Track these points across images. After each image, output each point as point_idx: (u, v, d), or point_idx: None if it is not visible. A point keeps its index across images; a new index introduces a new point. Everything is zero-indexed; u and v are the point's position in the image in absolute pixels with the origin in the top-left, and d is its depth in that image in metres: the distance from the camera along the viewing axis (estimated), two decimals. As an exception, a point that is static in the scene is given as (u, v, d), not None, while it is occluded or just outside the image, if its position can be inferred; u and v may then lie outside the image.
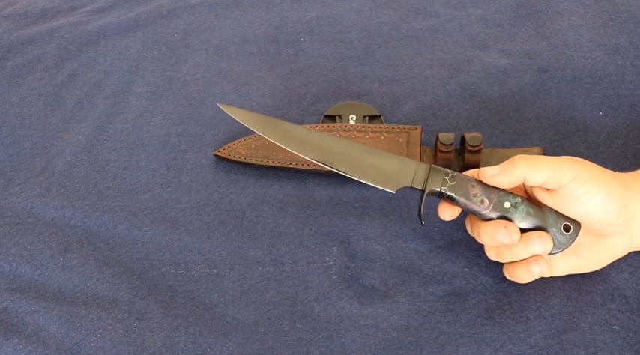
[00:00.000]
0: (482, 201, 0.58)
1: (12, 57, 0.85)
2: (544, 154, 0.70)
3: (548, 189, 0.57)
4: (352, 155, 0.60)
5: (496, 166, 0.57)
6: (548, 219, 0.58)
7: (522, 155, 0.57)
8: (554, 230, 0.58)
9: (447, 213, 0.60)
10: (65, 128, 0.78)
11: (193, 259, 0.66)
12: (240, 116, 0.63)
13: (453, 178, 0.58)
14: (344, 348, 0.60)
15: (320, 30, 0.85)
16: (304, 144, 0.61)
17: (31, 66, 0.84)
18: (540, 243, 0.57)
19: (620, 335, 0.59)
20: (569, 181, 0.55)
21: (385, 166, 0.60)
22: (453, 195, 0.58)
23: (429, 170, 0.59)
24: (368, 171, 0.60)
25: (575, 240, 0.58)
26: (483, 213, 0.58)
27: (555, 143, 0.73)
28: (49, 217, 0.70)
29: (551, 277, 0.62)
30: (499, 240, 0.57)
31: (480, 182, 0.58)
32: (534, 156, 0.57)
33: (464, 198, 0.58)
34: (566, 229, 0.58)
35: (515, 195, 0.58)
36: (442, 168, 0.59)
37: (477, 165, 0.68)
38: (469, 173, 0.60)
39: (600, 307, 0.61)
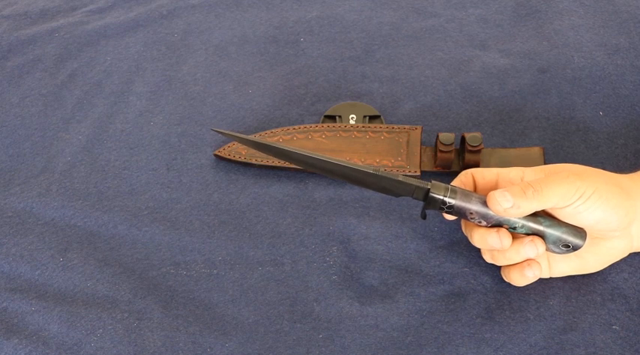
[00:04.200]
0: (479, 222, 0.58)
1: (12, 57, 0.85)
2: (544, 154, 0.70)
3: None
4: (351, 176, 0.59)
5: (508, 196, 0.55)
6: (547, 237, 0.57)
7: (534, 188, 0.55)
8: (552, 246, 0.58)
9: (448, 216, 0.60)
10: (65, 128, 0.78)
11: (193, 259, 0.66)
12: (236, 140, 0.62)
13: (450, 207, 0.57)
14: (344, 348, 0.60)
15: (320, 30, 0.85)
16: (303, 165, 0.60)
17: (31, 66, 0.84)
18: (532, 247, 0.57)
19: (620, 335, 0.59)
20: (574, 201, 0.55)
21: (384, 187, 0.59)
22: (451, 214, 0.58)
23: (427, 195, 0.58)
24: (368, 186, 0.60)
25: None
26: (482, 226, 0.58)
27: (555, 143, 0.73)
28: (49, 217, 0.70)
29: (551, 277, 0.62)
30: (490, 244, 0.57)
31: (478, 207, 0.57)
32: (543, 185, 0.55)
33: (462, 218, 0.58)
34: (566, 247, 0.58)
35: (515, 221, 0.57)
36: (439, 197, 0.57)
37: (477, 165, 0.68)
38: (470, 175, 0.60)
39: (600, 307, 0.61)
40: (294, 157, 0.60)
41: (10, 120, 0.79)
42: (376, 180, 0.59)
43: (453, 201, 0.57)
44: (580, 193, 0.55)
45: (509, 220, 0.57)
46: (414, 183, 0.58)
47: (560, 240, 0.57)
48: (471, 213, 0.57)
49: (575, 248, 0.57)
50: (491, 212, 0.56)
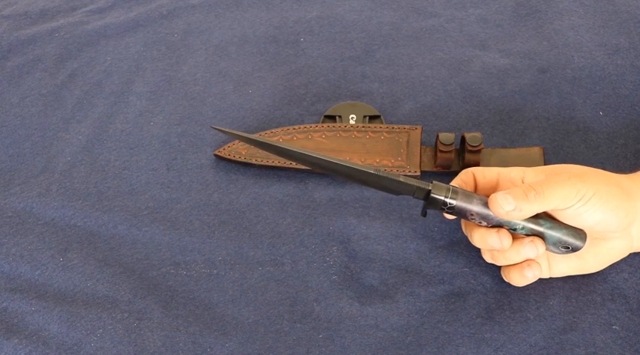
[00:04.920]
0: (480, 223, 0.58)
1: (12, 57, 0.85)
2: (544, 154, 0.70)
3: None
4: (352, 175, 0.59)
5: (510, 199, 0.55)
6: (548, 239, 0.57)
7: (536, 190, 0.55)
8: (552, 247, 0.58)
9: (449, 215, 0.60)
10: (65, 128, 0.78)
11: (193, 259, 0.66)
12: (236, 137, 0.62)
13: (451, 208, 0.57)
14: (344, 348, 0.60)
15: (320, 30, 0.85)
16: (304, 163, 0.60)
17: (31, 66, 0.84)
18: (532, 247, 0.57)
19: (620, 335, 0.59)
20: (575, 203, 0.55)
21: (385, 186, 0.59)
22: (452, 214, 0.58)
23: (428, 195, 0.58)
24: (369, 185, 0.60)
25: None
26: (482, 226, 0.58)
27: (555, 143, 0.73)
28: (49, 217, 0.70)
29: (551, 277, 0.62)
30: (490, 245, 0.57)
31: (479, 208, 0.57)
32: (544, 187, 0.55)
33: (462, 218, 0.58)
34: (566, 248, 0.58)
35: (516, 222, 0.57)
36: (440, 198, 0.57)
37: (477, 165, 0.68)
38: (471, 173, 0.60)
39: (600, 307, 0.61)
40: (292, 154, 0.60)
41: (10, 120, 0.79)
42: (377, 180, 0.59)
43: (454, 202, 0.57)
44: (581, 195, 0.55)
45: (509, 221, 0.57)
46: (415, 183, 0.58)
47: (561, 242, 0.57)
48: (472, 214, 0.57)
49: (575, 249, 0.57)
50: (492, 213, 0.56)
